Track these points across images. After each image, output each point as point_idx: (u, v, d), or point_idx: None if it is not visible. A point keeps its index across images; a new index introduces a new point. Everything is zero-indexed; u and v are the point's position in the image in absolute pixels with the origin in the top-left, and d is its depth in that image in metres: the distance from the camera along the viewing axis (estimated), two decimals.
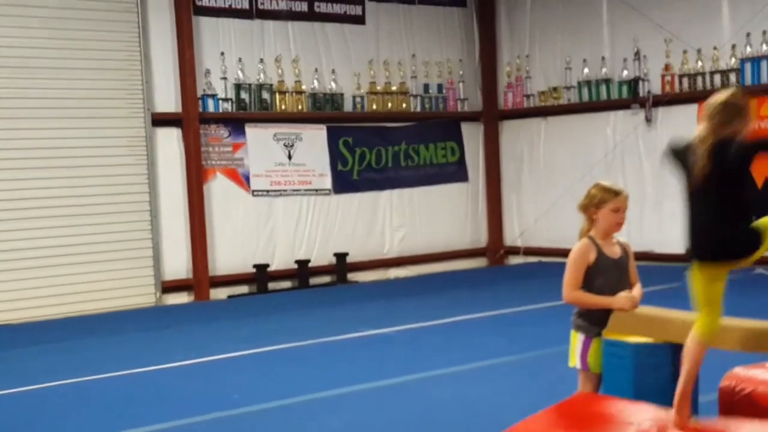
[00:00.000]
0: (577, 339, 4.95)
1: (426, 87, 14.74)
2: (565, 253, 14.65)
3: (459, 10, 15.23)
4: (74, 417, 6.62)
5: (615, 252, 5.00)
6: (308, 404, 6.64)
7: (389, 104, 14.30)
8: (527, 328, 9.33)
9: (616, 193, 4.96)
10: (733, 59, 12.70)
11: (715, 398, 4.86)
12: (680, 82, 13.23)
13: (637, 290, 4.98)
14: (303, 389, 7.04)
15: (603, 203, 4.93)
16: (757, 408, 4.64)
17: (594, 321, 4.90)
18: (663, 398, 4.57)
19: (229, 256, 12.84)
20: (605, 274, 4.91)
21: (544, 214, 14.65)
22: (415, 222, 14.56)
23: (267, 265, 13.00)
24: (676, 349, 4.80)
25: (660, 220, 13.00)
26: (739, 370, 4.88)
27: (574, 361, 4.97)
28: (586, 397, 4.69)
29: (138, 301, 12.06)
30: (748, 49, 12.51)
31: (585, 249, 4.94)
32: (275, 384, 7.35)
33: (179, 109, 12.41)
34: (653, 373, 4.73)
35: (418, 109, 14.66)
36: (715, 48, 12.83)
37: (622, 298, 4.86)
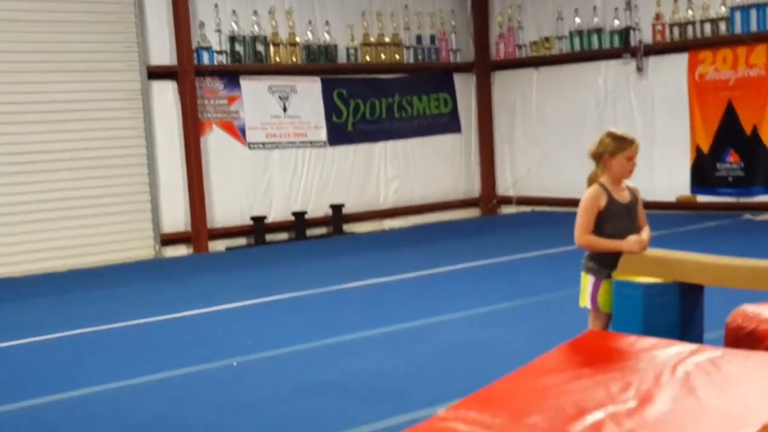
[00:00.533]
0: (588, 280, 5.15)
1: (419, 38, 14.82)
2: (557, 202, 15.00)
3: None
4: (82, 367, 6.74)
5: (625, 197, 5.18)
6: (323, 349, 6.81)
7: (382, 56, 14.37)
8: (527, 274, 9.54)
9: (630, 142, 5.13)
10: (723, 8, 12.83)
11: (721, 335, 5.07)
12: (671, 31, 13.35)
13: (645, 233, 5.17)
14: (316, 335, 7.20)
15: (618, 151, 5.09)
16: (761, 344, 4.85)
17: (604, 263, 5.09)
18: (670, 335, 4.78)
19: (227, 208, 12.97)
20: (615, 218, 5.10)
21: (537, 163, 14.83)
22: (409, 173, 14.72)
23: (264, 217, 13.15)
24: (684, 288, 5.02)
25: (651, 169, 13.20)
26: (746, 308, 5.08)
27: (585, 301, 5.17)
28: (598, 334, 4.89)
29: (137, 254, 12.21)
30: None
31: (596, 194, 5.11)
32: (286, 331, 7.51)
33: (174, 62, 12.46)
34: (661, 311, 4.94)
35: (411, 60, 14.74)
36: None
37: (631, 241, 5.05)
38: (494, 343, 6.71)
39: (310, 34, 13.68)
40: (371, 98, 14.29)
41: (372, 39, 14.28)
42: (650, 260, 5.07)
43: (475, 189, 15.53)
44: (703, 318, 5.18)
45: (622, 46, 13.76)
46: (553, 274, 9.11)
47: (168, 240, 12.50)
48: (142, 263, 11.96)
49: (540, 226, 13.14)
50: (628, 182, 5.26)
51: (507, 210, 15.41)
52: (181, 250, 12.61)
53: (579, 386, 3.97)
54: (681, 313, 4.98)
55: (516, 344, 6.58)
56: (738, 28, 12.67)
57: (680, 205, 13.14)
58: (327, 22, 13.84)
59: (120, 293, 9.81)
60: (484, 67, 15.38)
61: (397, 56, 14.53)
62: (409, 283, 9.42)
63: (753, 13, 12.53)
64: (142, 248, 12.30)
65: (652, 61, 13.50)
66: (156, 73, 12.33)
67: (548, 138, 14.64)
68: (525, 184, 15.10)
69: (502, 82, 15.38)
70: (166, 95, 12.46)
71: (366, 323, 7.55)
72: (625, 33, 13.74)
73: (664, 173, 13.19)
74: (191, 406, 5.62)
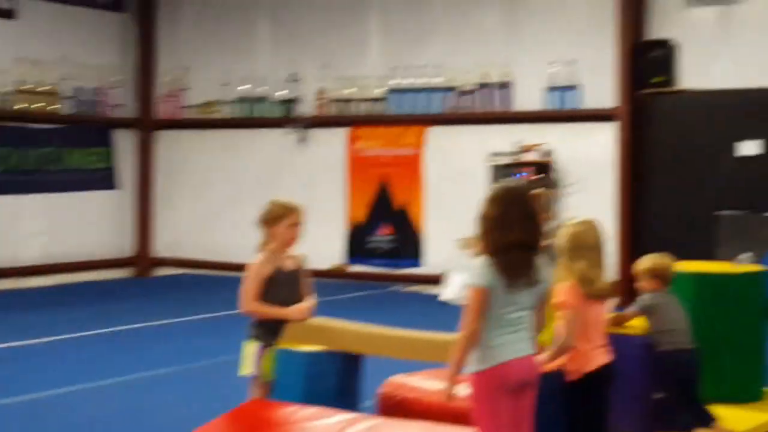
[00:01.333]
0: (252, 347, 5.09)
1: (79, 90, 14.22)
2: (218, 265, 14.81)
3: (117, 15, 14.87)
4: None
5: (290, 265, 5.22)
6: None
7: (38, 104, 13.63)
8: (183, 339, 9.31)
9: (292, 209, 5.21)
10: (382, 89, 13.57)
11: (373, 404, 5.20)
12: (332, 107, 13.90)
13: (309, 302, 5.22)
14: None
15: (280, 219, 5.15)
16: (410, 413, 5.04)
17: (269, 331, 5.07)
18: (330, 403, 4.82)
19: None
20: (281, 286, 5.12)
21: (196, 226, 14.66)
22: (60, 229, 13.92)
23: None
24: (344, 357, 5.11)
25: (309, 238, 13.47)
26: (396, 378, 5.28)
27: (248, 368, 5.09)
28: (261, 403, 4.83)
29: None
30: (396, 80, 13.41)
31: (263, 262, 5.12)
32: None
33: None
34: (322, 379, 5.00)
35: (69, 111, 14.10)
36: (365, 77, 13.62)
37: (296, 309, 5.08)
38: (150, 412, 6.43)
39: None
40: (22, 147, 13.45)
41: (28, 86, 13.49)
42: (313, 329, 5.12)
43: (130, 249, 15.02)
44: (360, 387, 5.30)
45: (286, 117, 14.08)
46: (211, 340, 8.97)
47: None
48: None
49: (198, 290, 12.95)
50: (293, 251, 5.30)
51: (163, 272, 15.04)
52: None
53: None
54: (341, 381, 5.06)
55: (173, 413, 6.34)
56: (395, 110, 13.45)
57: (334, 274, 13.54)
58: None
59: None
60: (147, 125, 15.05)
61: (54, 106, 13.83)
62: (50, 348, 8.79)
63: (408, 96, 13.37)
64: None
65: (314, 134, 13.93)
66: None
67: (210, 201, 14.55)
68: (182, 246, 14.84)
69: (165, 142, 15.11)
70: None
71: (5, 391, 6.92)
72: (289, 104, 14.09)
73: (321, 243, 13.51)
74: None
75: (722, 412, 6.08)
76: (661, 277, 5.36)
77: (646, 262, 5.41)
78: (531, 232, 3.98)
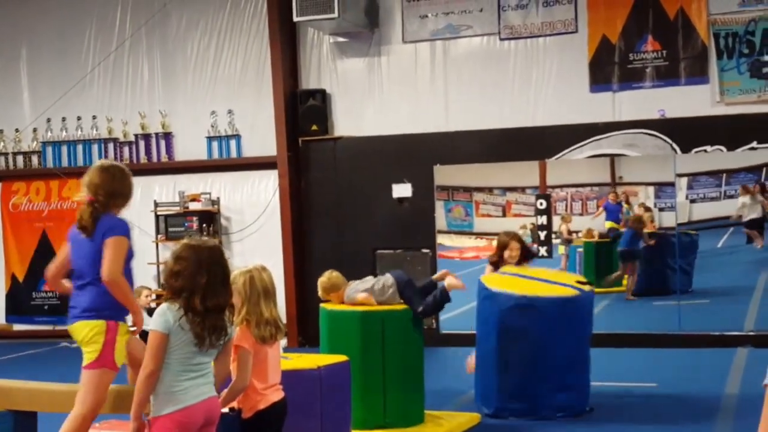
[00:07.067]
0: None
1: None
2: None
3: None
4: None
5: None
6: None
7: None
8: None
9: None
10: (35, 142, 13.10)
11: None
12: None
13: None
14: None
15: None
16: None
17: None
18: None
19: None
20: None
21: None
22: None
23: None
24: (17, 415, 5.00)
25: None
26: None
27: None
28: None
29: None
30: (49, 133, 13.01)
31: None
32: None
33: None
34: None
35: None
36: (17, 130, 13.10)
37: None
38: None
39: None
40: None
41: None
42: None
43: None
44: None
45: None
46: None
47: None
48: None
49: None
50: None
51: None
52: None
53: None
54: None
55: None
56: (50, 162, 13.03)
57: None
58: None
59: None
60: None
61: None
62: None
63: (64, 149, 13.01)
64: None
65: None
66: None
67: None
68: None
69: None
70: None
71: None
72: None
73: None
74: None
75: None
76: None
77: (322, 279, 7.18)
78: (226, 295, 4.18)
